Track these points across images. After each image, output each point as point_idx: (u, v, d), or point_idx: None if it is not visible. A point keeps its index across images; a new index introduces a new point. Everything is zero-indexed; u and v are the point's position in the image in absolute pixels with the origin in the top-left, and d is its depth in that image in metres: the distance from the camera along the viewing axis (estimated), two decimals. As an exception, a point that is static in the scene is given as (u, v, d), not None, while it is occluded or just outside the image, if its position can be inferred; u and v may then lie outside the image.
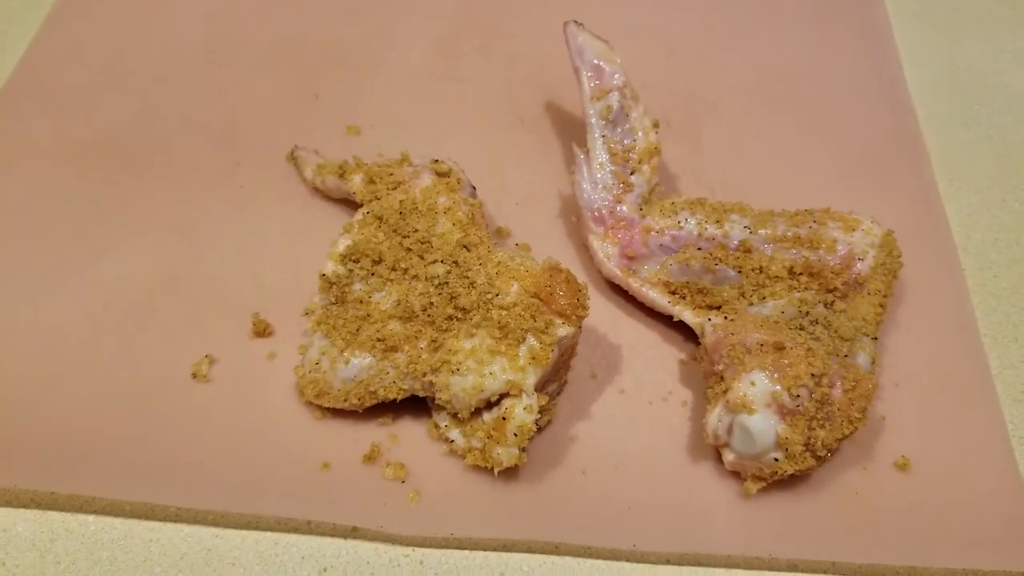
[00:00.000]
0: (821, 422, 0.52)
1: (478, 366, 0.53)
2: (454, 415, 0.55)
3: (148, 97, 0.74)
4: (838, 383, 0.53)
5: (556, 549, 0.53)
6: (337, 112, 0.74)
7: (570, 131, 0.72)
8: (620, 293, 0.63)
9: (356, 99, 0.75)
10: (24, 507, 0.54)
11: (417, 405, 0.57)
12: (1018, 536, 0.54)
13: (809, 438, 0.52)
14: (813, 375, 0.52)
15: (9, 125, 0.72)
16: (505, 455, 0.53)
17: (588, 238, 0.63)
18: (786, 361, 0.52)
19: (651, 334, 0.62)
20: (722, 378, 0.55)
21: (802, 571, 0.53)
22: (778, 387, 0.52)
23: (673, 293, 0.61)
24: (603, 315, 0.63)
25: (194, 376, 0.58)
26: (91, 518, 0.54)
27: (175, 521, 0.54)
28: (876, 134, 0.74)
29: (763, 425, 0.52)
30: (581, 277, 0.63)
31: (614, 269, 0.62)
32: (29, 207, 0.67)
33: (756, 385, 0.52)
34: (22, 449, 0.55)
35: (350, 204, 0.66)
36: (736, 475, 0.55)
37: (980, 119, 0.77)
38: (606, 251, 0.63)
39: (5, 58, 0.78)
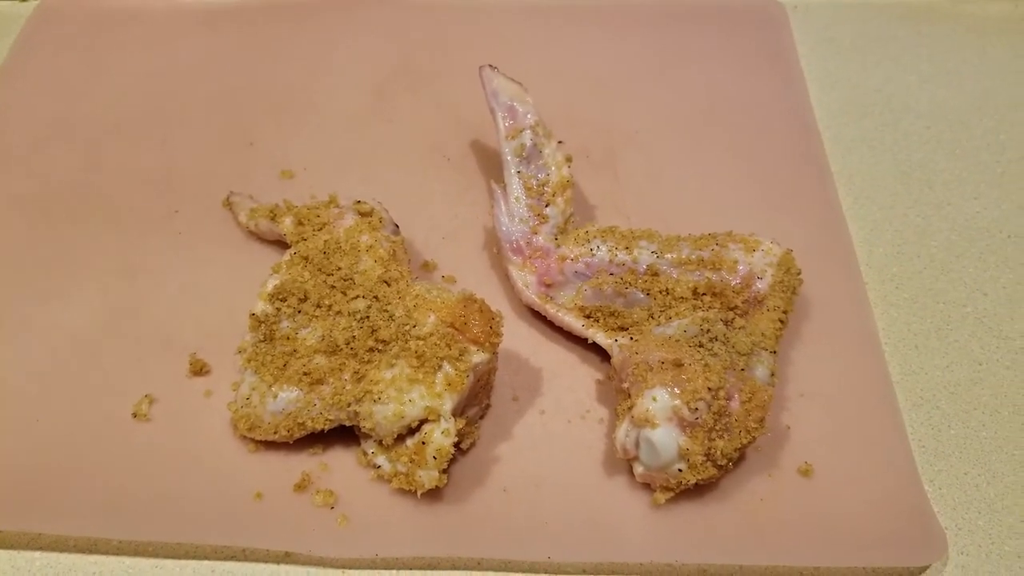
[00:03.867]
0: (720, 433, 0.56)
1: (398, 394, 0.56)
2: (380, 442, 0.58)
3: (91, 150, 0.78)
4: (735, 395, 0.57)
5: (478, 565, 0.56)
6: (271, 158, 0.78)
7: (494, 168, 0.76)
8: (540, 319, 0.67)
9: (289, 144, 0.79)
10: (-29, 547, 0.57)
11: (347, 435, 0.60)
12: (917, 534, 0.57)
13: (709, 448, 0.55)
14: (710, 389, 0.56)
15: (-43, 181, 0.76)
16: (426, 477, 0.56)
17: (507, 268, 0.67)
18: (685, 377, 0.56)
19: (570, 356, 0.66)
20: (628, 395, 0.58)
21: (711, 575, 0.57)
22: (678, 401, 0.55)
23: (588, 317, 0.65)
24: (524, 340, 0.66)
25: (135, 415, 0.62)
26: (37, 554, 0.57)
27: (117, 554, 0.57)
28: (783, 157, 0.78)
29: (665, 438, 0.55)
30: (502, 305, 0.68)
31: (532, 296, 0.66)
32: (-26, 257, 0.70)
33: (657, 400, 0.56)
34: (-31, 491, 0.58)
35: (283, 245, 0.70)
36: (647, 487, 0.59)
37: (884, 140, 0.82)
38: (525, 280, 0.66)
39: (-45, 118, 0.82)
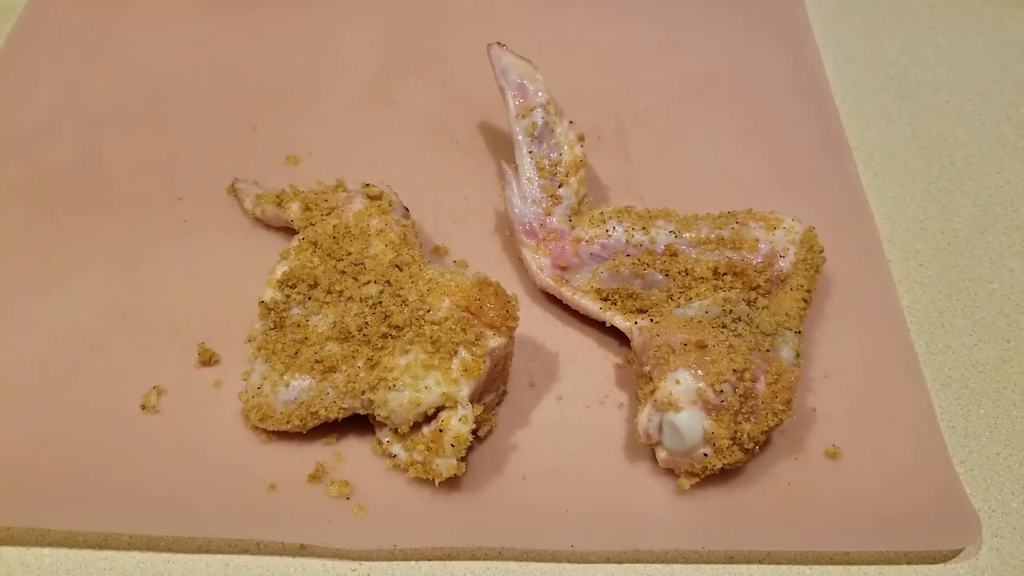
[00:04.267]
0: (746, 415, 0.54)
1: (413, 381, 0.54)
2: (395, 430, 0.56)
3: (92, 138, 0.76)
4: (761, 377, 0.55)
5: (499, 554, 0.55)
6: (276, 143, 0.76)
7: (503, 149, 0.74)
8: (555, 302, 0.65)
9: (294, 129, 0.77)
10: (-21, 544, 0.56)
11: (361, 424, 0.59)
12: (950, 516, 0.56)
13: (735, 432, 0.54)
14: (735, 370, 0.54)
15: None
16: (444, 466, 0.54)
17: (521, 251, 0.65)
18: (709, 358, 0.54)
19: (587, 340, 0.64)
20: (650, 378, 0.56)
21: (738, 562, 0.55)
22: (702, 384, 0.54)
23: (605, 300, 0.63)
24: (539, 325, 0.65)
25: (143, 407, 0.60)
26: (46, 551, 0.56)
27: (128, 549, 0.56)
28: (800, 134, 0.76)
29: (690, 422, 0.54)
30: (516, 289, 0.66)
31: (547, 279, 0.64)
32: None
33: (681, 383, 0.54)
34: (-25, 488, 0.57)
35: (290, 232, 0.68)
36: (671, 472, 0.57)
37: (902, 113, 0.80)
38: (539, 262, 0.65)
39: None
